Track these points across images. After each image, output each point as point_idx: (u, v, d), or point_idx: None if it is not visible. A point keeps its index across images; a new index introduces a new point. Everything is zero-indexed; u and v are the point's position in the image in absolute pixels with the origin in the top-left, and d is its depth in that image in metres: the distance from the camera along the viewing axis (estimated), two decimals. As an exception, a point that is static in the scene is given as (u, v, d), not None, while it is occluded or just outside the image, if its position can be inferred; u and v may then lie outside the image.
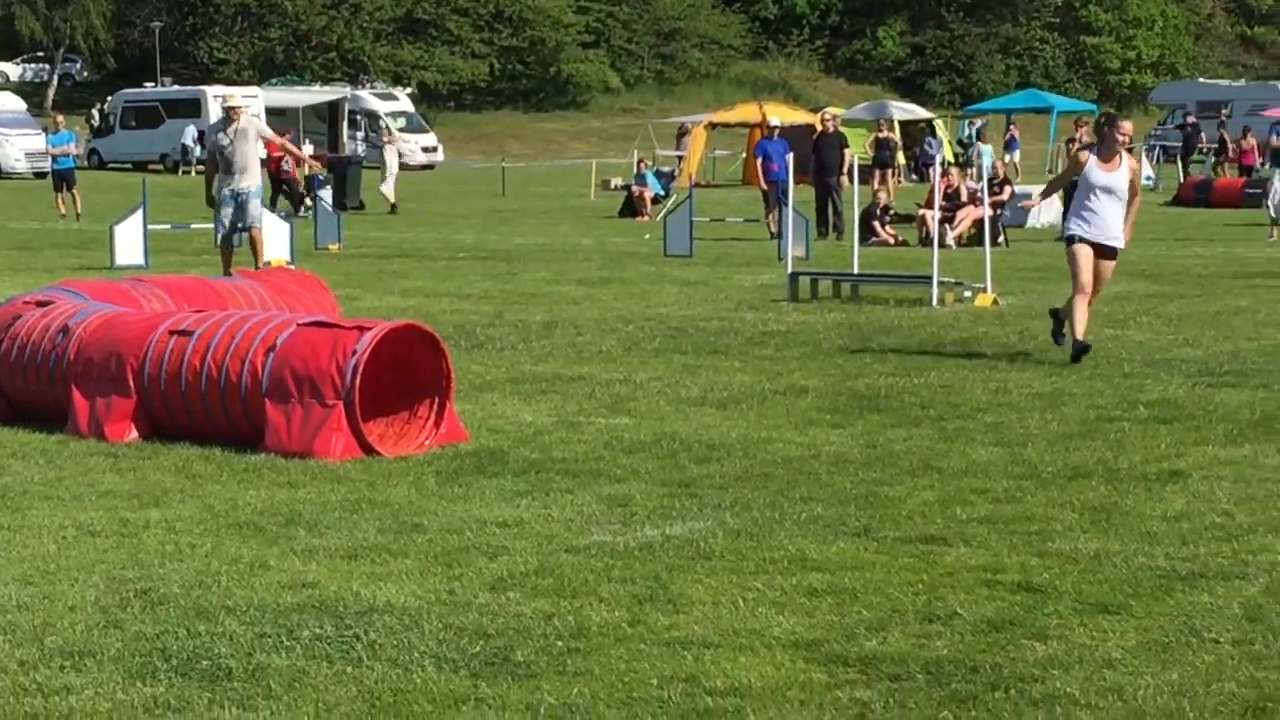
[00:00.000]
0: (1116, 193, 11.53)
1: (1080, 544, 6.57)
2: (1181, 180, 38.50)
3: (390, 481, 7.94)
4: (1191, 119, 45.01)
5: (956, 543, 6.56)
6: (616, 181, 39.65)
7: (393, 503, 7.48)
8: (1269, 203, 25.30)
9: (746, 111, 43.18)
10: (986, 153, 31.31)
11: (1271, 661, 4.91)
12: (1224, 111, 47.08)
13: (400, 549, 6.55)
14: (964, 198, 22.64)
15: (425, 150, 53.70)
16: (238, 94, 30.24)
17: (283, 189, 30.76)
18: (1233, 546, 6.56)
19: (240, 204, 16.75)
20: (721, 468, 8.27)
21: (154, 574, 6.12)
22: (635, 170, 36.39)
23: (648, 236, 25.88)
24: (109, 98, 56.67)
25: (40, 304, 9.61)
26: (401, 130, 50.26)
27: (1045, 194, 18.37)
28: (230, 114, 17.00)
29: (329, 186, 32.18)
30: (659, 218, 27.55)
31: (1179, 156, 42.93)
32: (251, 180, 16.90)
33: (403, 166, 39.66)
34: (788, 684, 4.80)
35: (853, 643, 5.19)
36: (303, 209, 29.79)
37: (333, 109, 53.29)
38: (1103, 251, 11.62)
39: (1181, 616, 5.45)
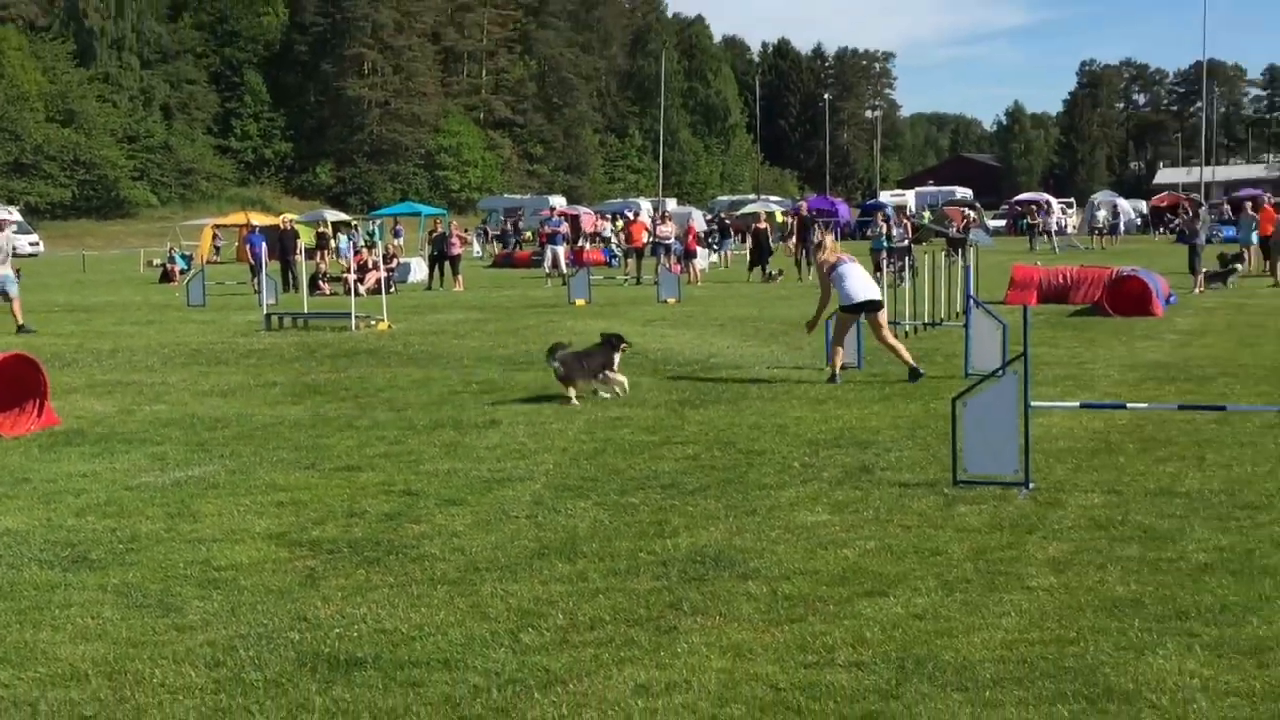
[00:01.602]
0: None
1: (439, 465, 10.34)
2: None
3: (7, 453, 11.25)
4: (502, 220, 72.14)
5: (366, 469, 10.22)
6: (156, 260, 52.58)
7: (9, 465, 10.69)
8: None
9: (238, 217, 62.36)
10: (381, 238, 49.74)
11: (530, 526, 8.25)
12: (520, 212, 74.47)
13: (14, 494, 9.52)
14: (370, 266, 33.68)
15: (31, 244, 71.92)
16: None
17: None
18: (526, 463, 10.36)
19: None
20: (224, 433, 12.17)
21: None
22: (168, 253, 50.15)
23: (177, 294, 34.71)
24: None
25: None
26: (16, 233, 66.36)
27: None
28: None
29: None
30: (184, 283, 37.03)
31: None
32: None
33: (15, 254, 59.96)
34: (265, 560, 7.58)
35: (304, 532, 8.19)
36: None
37: None
38: None
39: (498, 504, 8.86)
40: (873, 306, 14.80)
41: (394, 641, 6.03)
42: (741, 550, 7.52)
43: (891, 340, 15.07)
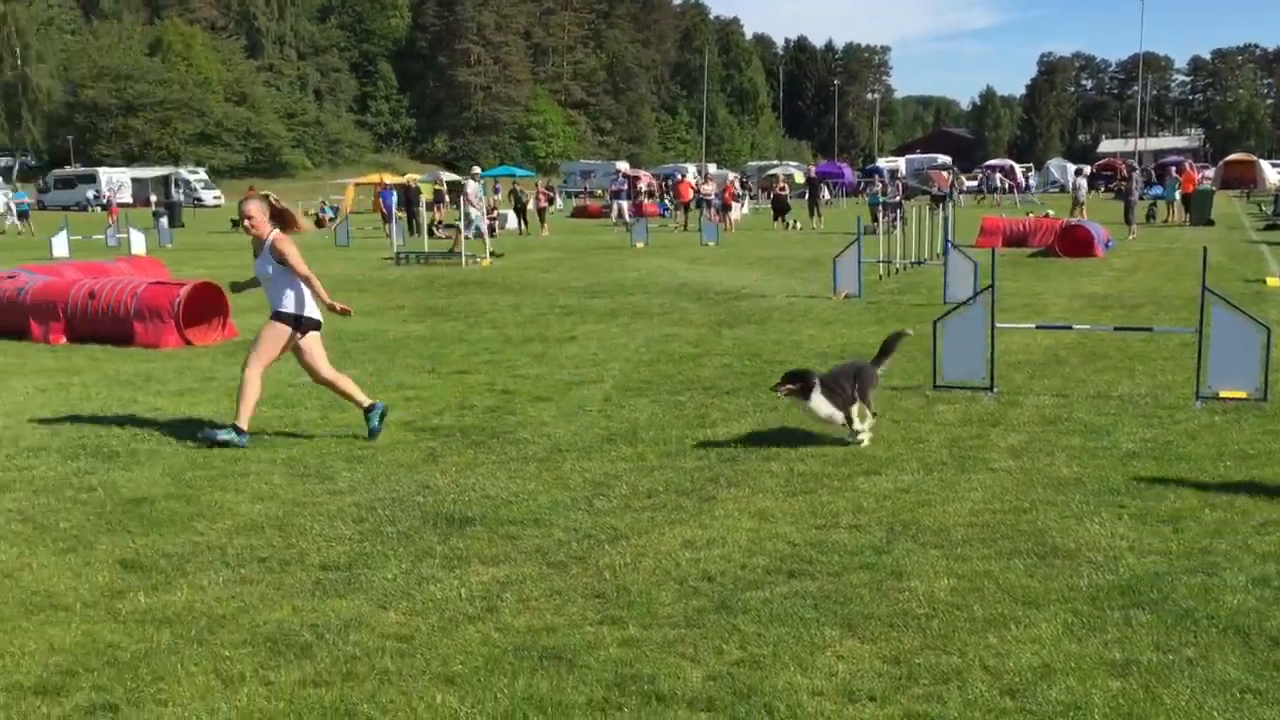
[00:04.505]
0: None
1: (530, 370, 10.35)
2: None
3: (200, 357, 11.46)
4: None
5: (474, 373, 10.27)
6: (310, 211, 51.87)
7: (200, 367, 10.82)
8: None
9: (373, 177, 60.88)
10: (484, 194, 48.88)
11: (601, 417, 8.25)
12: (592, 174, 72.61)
13: (204, 389, 9.68)
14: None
15: (214, 199, 73.12)
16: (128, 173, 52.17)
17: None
18: (597, 369, 10.30)
19: None
20: (364, 344, 12.14)
21: (77, 407, 8.84)
22: (320, 205, 50.16)
23: (327, 237, 33.54)
24: (48, 174, 76.42)
25: (8, 276, 13.65)
26: (204, 188, 74.08)
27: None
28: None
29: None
30: (332, 229, 35.64)
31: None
32: None
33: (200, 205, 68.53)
34: (397, 441, 7.55)
35: (426, 421, 8.20)
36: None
37: (166, 180, 72.95)
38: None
39: (576, 401, 8.83)
40: None
41: (496, 504, 6.08)
42: (765, 438, 7.51)
43: None
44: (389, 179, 51.98)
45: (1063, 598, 4.63)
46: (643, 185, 54.06)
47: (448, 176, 65.69)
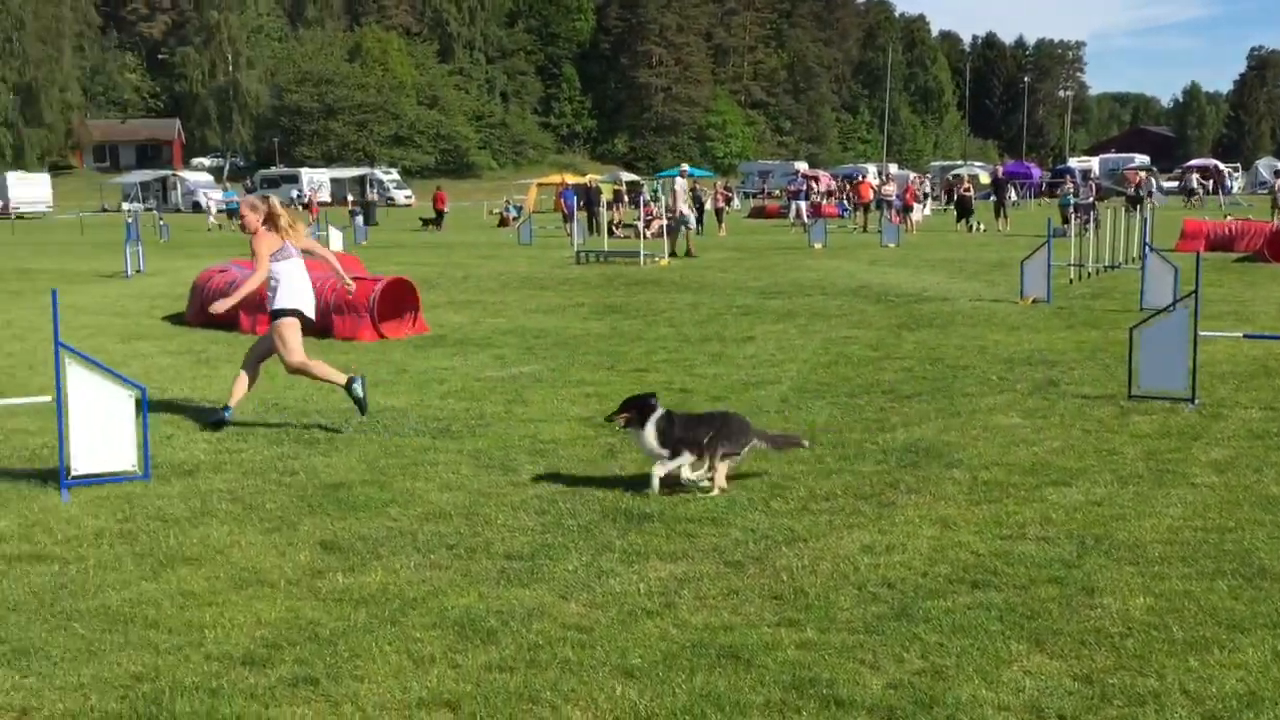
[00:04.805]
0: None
1: (707, 369, 10.41)
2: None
3: (392, 350, 11.82)
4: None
5: (652, 370, 10.34)
6: (495, 210, 54.30)
7: (393, 360, 11.16)
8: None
9: (555, 177, 62.71)
10: (663, 194, 44.70)
11: (779, 418, 7.91)
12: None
13: (397, 381, 9.96)
14: (654, 216, 31.18)
15: (405, 198, 75.33)
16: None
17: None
18: (775, 370, 10.28)
19: None
20: (545, 340, 12.40)
21: (281, 396, 9.25)
22: (504, 204, 51.28)
23: (510, 236, 35.36)
24: (254, 174, 79.02)
25: (220, 270, 14.74)
26: (397, 188, 77.29)
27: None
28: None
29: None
30: (516, 227, 37.19)
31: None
32: None
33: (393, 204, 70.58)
34: (577, 436, 7.76)
35: (602, 415, 7.60)
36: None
37: (362, 180, 74.90)
38: None
39: (753, 401, 8.80)
40: None
41: (673, 502, 6.12)
42: (948, 444, 7.33)
43: None
44: (570, 179, 53.03)
45: (1271, 622, 4.36)
46: (821, 185, 53.47)
47: (627, 177, 66.69)
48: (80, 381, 6.42)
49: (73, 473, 6.40)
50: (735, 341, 12.12)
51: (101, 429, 6.47)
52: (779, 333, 12.77)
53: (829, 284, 18.26)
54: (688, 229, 25.22)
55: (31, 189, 64.42)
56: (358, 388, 8.14)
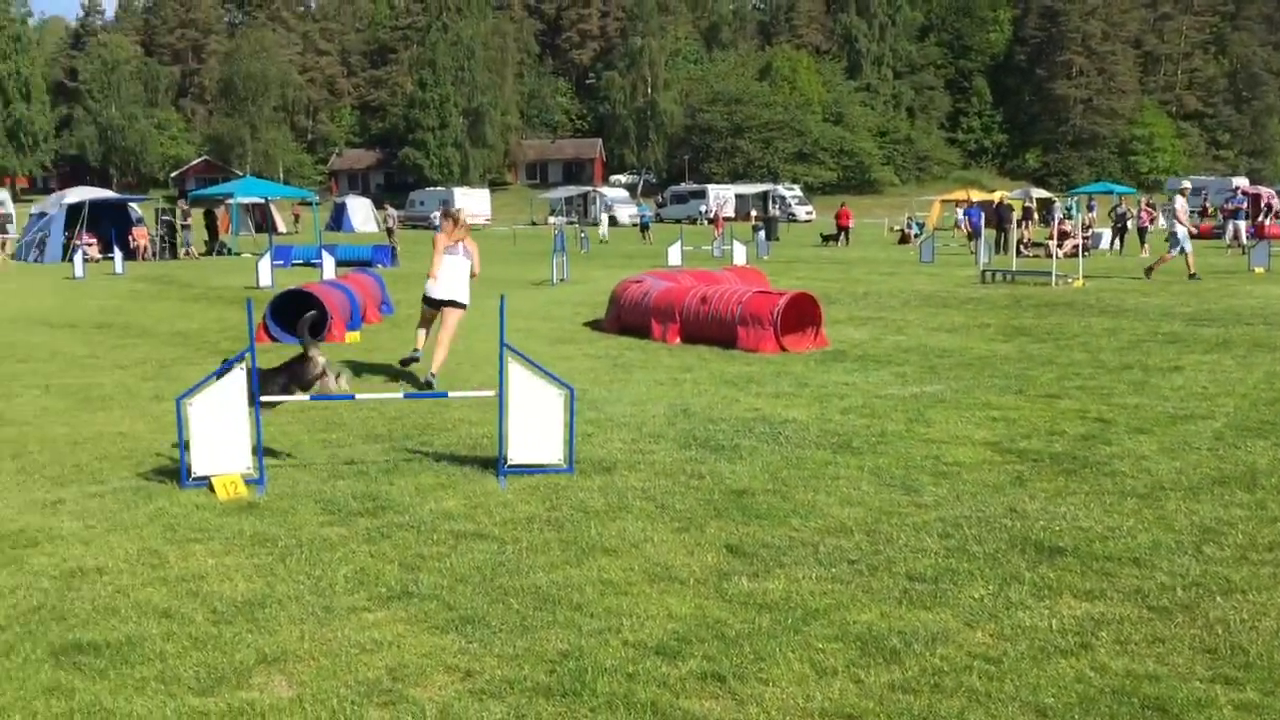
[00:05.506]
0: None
1: (1128, 399, 9.61)
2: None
3: (794, 363, 11.98)
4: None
5: (1064, 397, 9.73)
6: (896, 227, 53.36)
7: (794, 373, 11.32)
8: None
9: (960, 193, 58.78)
10: (1078, 212, 39.68)
11: (1211, 457, 7.66)
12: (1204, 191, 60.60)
13: (798, 394, 10.10)
14: (1068, 234, 29.93)
15: (806, 214, 76.41)
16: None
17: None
18: (1207, 404, 9.30)
19: None
20: (948, 360, 12.07)
21: (689, 402, 9.70)
22: (906, 221, 50.02)
23: (911, 253, 34.57)
24: (665, 190, 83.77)
25: (636, 281, 15.46)
26: (798, 204, 78.58)
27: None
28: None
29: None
30: (917, 245, 36.37)
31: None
32: None
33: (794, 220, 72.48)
34: (981, 461, 7.46)
35: (1013, 443, 7.93)
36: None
37: (765, 196, 76.37)
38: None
39: (1181, 436, 8.14)
40: None
41: (1089, 538, 5.78)
42: None
43: None
44: (975, 195, 51.34)
45: None
46: (1265, 203, 48.25)
47: (1038, 193, 63.54)
48: (519, 379, 7.05)
49: (509, 462, 7.05)
50: (1160, 371, 11.22)
51: (535, 424, 7.07)
52: (1212, 363, 11.68)
53: (1271, 312, 16.45)
54: (1184, 252, 22.83)
55: (474, 203, 71.51)
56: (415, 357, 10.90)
